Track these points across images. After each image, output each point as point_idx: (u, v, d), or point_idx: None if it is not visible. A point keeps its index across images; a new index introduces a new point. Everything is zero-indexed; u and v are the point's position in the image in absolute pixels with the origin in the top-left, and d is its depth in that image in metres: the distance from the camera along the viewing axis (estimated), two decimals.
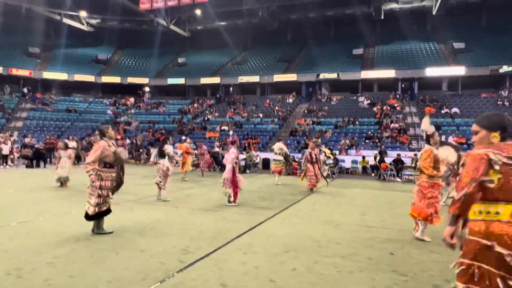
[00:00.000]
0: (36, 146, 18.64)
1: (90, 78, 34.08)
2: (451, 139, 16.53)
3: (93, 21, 37.78)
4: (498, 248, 1.94)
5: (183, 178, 13.02)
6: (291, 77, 30.59)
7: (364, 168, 17.85)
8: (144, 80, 34.62)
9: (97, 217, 5.30)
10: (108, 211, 5.42)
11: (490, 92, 26.12)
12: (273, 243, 5.12)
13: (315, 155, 11.03)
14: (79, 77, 33.58)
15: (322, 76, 29.66)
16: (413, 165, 14.34)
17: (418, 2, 31.31)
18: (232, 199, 8.14)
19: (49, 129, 26.55)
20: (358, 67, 29.87)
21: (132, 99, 33.62)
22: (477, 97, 25.82)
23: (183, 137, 19.12)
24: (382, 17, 31.27)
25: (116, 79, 34.42)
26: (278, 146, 13.60)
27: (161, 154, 8.65)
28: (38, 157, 17.72)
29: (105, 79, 34.56)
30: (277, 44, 35.80)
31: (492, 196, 2.03)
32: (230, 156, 8.28)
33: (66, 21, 35.06)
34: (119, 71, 35.93)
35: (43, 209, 7.13)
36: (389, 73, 27.96)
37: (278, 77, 30.91)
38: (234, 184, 8.14)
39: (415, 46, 31.19)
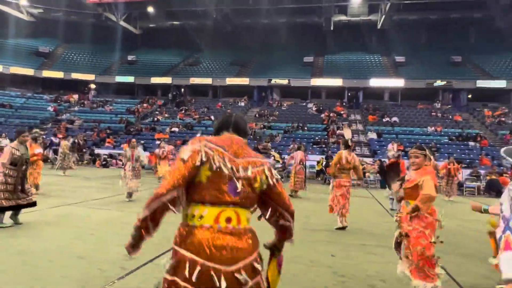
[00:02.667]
0: None
1: (29, 71, 31.67)
2: (390, 146, 17.63)
3: (35, 11, 35.23)
4: (197, 259, 1.60)
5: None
6: (244, 81, 30.82)
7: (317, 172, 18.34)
8: (90, 77, 32.88)
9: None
10: (11, 207, 5.72)
11: (425, 103, 28.30)
12: None
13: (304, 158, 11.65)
14: (16, 69, 31.06)
15: (274, 81, 30.24)
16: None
17: (365, 16, 33.14)
18: None
19: None
20: (308, 75, 30.86)
21: (76, 96, 31.77)
22: (415, 108, 27.88)
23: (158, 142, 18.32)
24: (332, 28, 32.65)
25: (59, 74, 32.34)
26: None
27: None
28: None
29: (46, 73, 32.33)
30: (231, 48, 35.87)
31: (199, 197, 1.69)
32: None
33: (3, 8, 32.33)
34: (63, 65, 33.80)
35: None
36: (336, 82, 29.22)
37: (231, 80, 30.99)
38: None
39: (361, 57, 32.94)
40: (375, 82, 28.78)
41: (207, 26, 34.86)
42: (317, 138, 22.57)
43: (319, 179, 17.64)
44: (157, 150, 13.79)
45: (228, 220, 1.67)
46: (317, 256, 4.97)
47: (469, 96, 28.28)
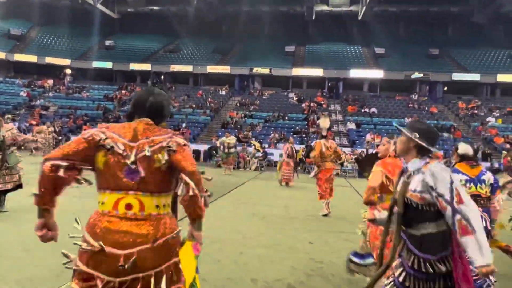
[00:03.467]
0: None
1: (0, 54, 30.35)
2: (368, 137, 17.97)
3: None
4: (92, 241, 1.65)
5: None
6: (225, 69, 30.54)
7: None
8: (65, 62, 31.75)
9: None
10: None
11: (403, 95, 28.90)
12: None
13: (294, 150, 11.68)
14: None
15: (255, 70, 30.11)
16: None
17: (346, 7, 33.28)
18: None
19: None
20: (290, 64, 30.87)
21: (50, 81, 30.68)
22: (393, 99, 28.43)
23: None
24: (314, 18, 32.65)
25: (32, 58, 31.09)
26: (232, 139, 14.46)
27: None
28: None
29: (19, 57, 31.02)
30: (212, 35, 35.37)
31: (100, 184, 1.71)
32: None
33: None
34: (37, 49, 32.47)
35: None
36: (317, 72, 29.38)
37: (212, 68, 30.65)
38: None
39: (341, 48, 33.16)
40: (355, 73, 29.10)
41: (188, 12, 34.20)
42: (297, 127, 22.73)
43: (299, 168, 17.82)
44: None
45: (128, 206, 1.64)
46: (295, 243, 5.06)
47: (445, 88, 29.05)
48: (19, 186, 5.97)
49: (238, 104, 27.30)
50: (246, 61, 30.90)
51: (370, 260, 2.45)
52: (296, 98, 27.93)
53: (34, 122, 21.81)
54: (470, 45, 30.90)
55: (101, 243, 1.62)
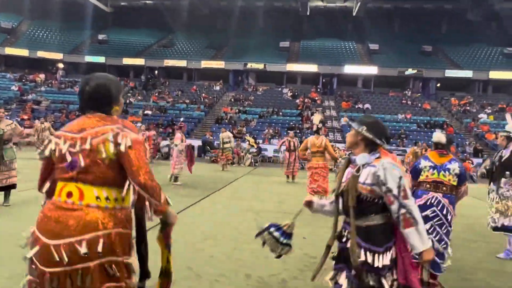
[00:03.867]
0: None
1: None
2: None
3: None
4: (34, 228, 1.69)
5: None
6: (219, 64, 30.40)
7: None
8: (57, 56, 31.39)
9: None
10: None
11: (397, 91, 29.05)
12: (192, 232, 5.15)
13: (294, 143, 11.66)
14: None
15: (250, 65, 30.01)
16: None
17: (341, 2, 33.25)
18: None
19: None
20: (284, 60, 30.82)
21: (42, 76, 30.34)
22: (386, 95, 28.57)
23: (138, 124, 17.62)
24: (308, 13, 32.58)
25: (24, 52, 30.68)
26: (227, 135, 14.43)
27: None
28: None
29: (10, 50, 30.60)
30: (206, 30, 35.14)
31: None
32: (178, 139, 9.46)
33: None
34: (28, 43, 32.02)
35: None
36: (312, 68, 29.38)
37: (206, 64, 30.50)
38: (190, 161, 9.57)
39: (336, 43, 33.16)
40: (349, 69, 29.17)
41: (182, 7, 33.92)
42: (291, 123, 22.76)
43: None
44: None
45: (69, 194, 1.64)
46: None
47: (438, 85, 29.25)
48: (12, 186, 5.91)
49: (232, 100, 27.24)
50: (240, 57, 30.77)
51: (287, 241, 2.44)
52: (290, 93, 27.93)
53: (25, 117, 21.59)
54: (463, 42, 31.08)
55: (36, 230, 1.66)
